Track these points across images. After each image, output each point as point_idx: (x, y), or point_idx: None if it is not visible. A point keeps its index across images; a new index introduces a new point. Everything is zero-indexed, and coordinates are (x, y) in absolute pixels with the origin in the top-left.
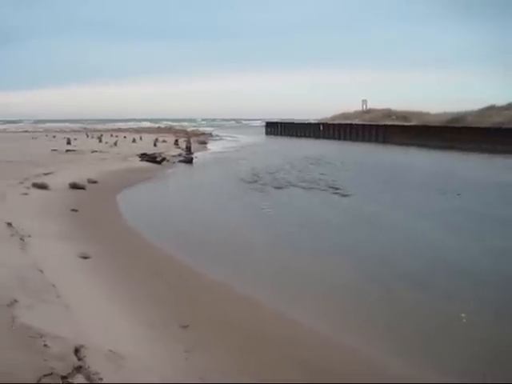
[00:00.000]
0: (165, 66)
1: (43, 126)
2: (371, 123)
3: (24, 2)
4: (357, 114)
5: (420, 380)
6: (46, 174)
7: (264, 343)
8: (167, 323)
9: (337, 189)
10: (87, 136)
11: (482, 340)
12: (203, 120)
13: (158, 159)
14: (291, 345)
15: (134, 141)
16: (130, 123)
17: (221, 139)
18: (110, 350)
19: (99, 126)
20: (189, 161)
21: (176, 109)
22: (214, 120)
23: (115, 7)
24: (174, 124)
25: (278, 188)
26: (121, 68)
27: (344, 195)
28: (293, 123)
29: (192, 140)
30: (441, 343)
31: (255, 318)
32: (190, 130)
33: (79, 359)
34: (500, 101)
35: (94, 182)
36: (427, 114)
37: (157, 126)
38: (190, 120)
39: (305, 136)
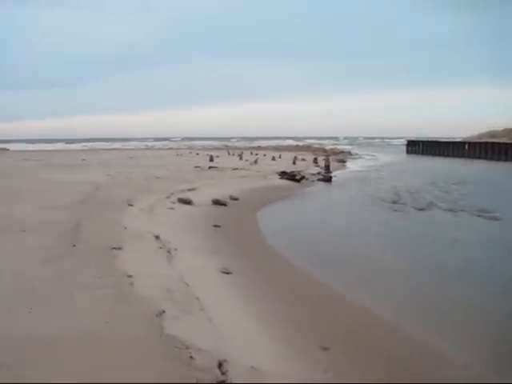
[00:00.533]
0: (305, 84)
1: (188, 143)
2: None
3: (175, 25)
4: (505, 132)
5: None
6: (190, 190)
7: (406, 372)
8: (307, 343)
9: (484, 211)
10: (228, 153)
11: None
12: (345, 138)
13: (297, 177)
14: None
15: (273, 159)
16: (272, 141)
17: (360, 158)
18: (252, 367)
19: (240, 144)
20: (327, 179)
21: (317, 127)
22: (356, 138)
23: (251, 27)
24: (316, 142)
25: (420, 209)
26: (265, 87)
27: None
28: (435, 142)
29: (331, 158)
30: None
31: (397, 345)
32: (328, 148)
33: (222, 373)
34: None
35: (236, 199)
36: None
37: (295, 144)
38: (332, 138)
39: (448, 155)
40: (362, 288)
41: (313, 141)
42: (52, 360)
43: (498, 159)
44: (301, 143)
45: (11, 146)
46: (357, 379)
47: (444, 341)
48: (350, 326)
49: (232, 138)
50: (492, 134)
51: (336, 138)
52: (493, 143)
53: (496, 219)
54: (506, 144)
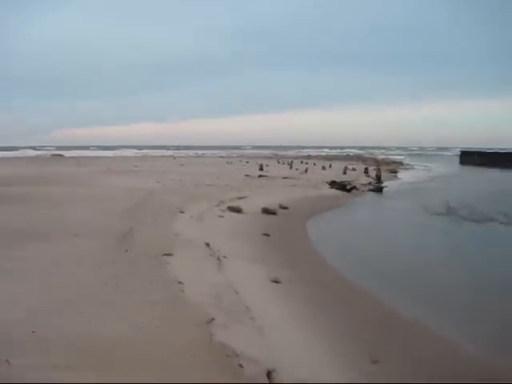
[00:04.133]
0: (355, 93)
1: (239, 151)
2: None
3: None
4: None
5: None
6: (239, 198)
7: None
8: (357, 356)
9: None
10: (278, 162)
11: None
12: (397, 148)
13: (348, 187)
14: None
15: (323, 168)
16: (336, 150)
17: (412, 168)
18: (300, 378)
19: (290, 153)
20: (378, 190)
21: (367, 136)
22: (407, 148)
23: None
24: (367, 152)
25: (474, 222)
26: (321, 96)
27: None
28: (490, 152)
29: (382, 168)
30: None
31: (446, 357)
32: (380, 158)
33: (271, 382)
34: None
35: (285, 208)
36: None
37: (346, 153)
38: (383, 148)
39: (506, 167)
40: (413, 302)
41: (361, 151)
42: (106, 362)
43: None
44: (350, 153)
45: (66, 153)
46: None
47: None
48: (401, 341)
49: (281, 146)
50: None
51: (387, 148)
52: None
53: None
54: None
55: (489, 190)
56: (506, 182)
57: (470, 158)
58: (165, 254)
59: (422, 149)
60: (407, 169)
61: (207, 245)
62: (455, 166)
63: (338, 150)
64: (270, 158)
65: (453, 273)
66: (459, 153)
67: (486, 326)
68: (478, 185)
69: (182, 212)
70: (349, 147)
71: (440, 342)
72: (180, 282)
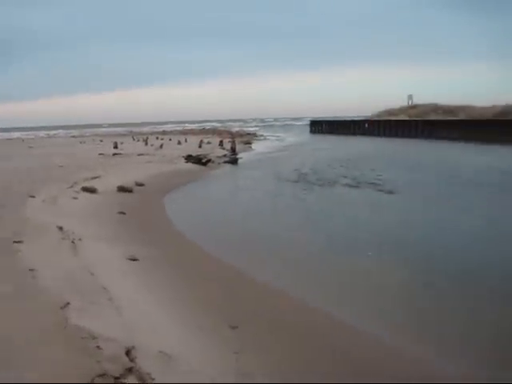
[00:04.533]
0: (210, 68)
1: (91, 130)
2: (417, 119)
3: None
4: (402, 109)
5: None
6: (94, 178)
7: (313, 342)
8: (217, 324)
9: (377, 185)
10: (133, 139)
11: None
12: (253, 120)
13: (204, 161)
14: (341, 345)
15: (179, 143)
16: (194, 125)
17: (265, 139)
18: (161, 351)
19: (145, 130)
20: (234, 161)
21: (224, 110)
22: (264, 120)
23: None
24: (223, 125)
25: (323, 186)
26: (167, 71)
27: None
28: (337, 121)
29: (237, 141)
30: None
31: (304, 319)
32: (234, 130)
33: (131, 360)
34: None
35: (141, 185)
36: (474, 108)
37: (201, 127)
38: (240, 120)
39: (350, 134)
40: (271, 267)
41: (219, 124)
42: None
43: (396, 135)
44: (207, 126)
45: None
46: (268, 355)
47: (343, 308)
48: (258, 305)
49: (137, 123)
50: (390, 112)
51: (244, 121)
52: (390, 121)
53: (391, 193)
54: (403, 121)
55: (332, 155)
56: (350, 148)
57: (319, 126)
58: (14, 242)
59: (276, 120)
60: (261, 140)
61: (60, 228)
62: (306, 135)
63: (197, 125)
64: (124, 135)
65: (302, 233)
66: (309, 122)
67: (334, 285)
68: (323, 152)
69: (33, 196)
70: (208, 121)
71: (297, 304)
72: (32, 270)
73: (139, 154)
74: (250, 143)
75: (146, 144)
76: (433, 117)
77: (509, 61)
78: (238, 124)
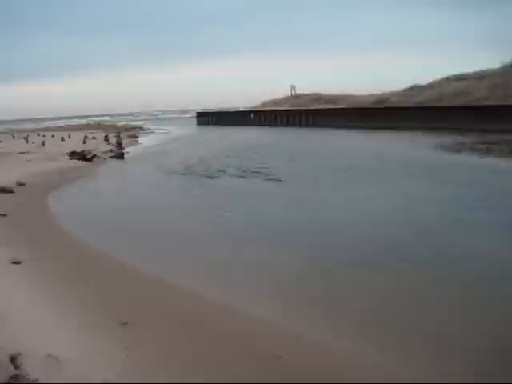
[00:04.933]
0: (91, 61)
1: None
2: (300, 108)
3: None
4: (286, 99)
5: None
6: None
7: (205, 335)
8: (106, 322)
9: (264, 174)
10: (13, 137)
11: None
12: (141, 114)
13: (88, 156)
14: (235, 335)
15: (62, 139)
16: (82, 120)
17: (152, 132)
18: (49, 355)
19: (27, 127)
20: (120, 156)
21: (112, 104)
22: (152, 113)
23: None
24: (110, 119)
25: (210, 177)
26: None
27: (270, 179)
28: (223, 112)
29: (122, 135)
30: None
31: (196, 310)
32: (120, 124)
33: (16, 367)
34: (422, 81)
35: (23, 185)
36: (354, 97)
37: (85, 122)
38: (128, 115)
39: (236, 124)
40: (158, 259)
41: (106, 118)
42: None
43: (281, 125)
44: (91, 122)
45: None
46: (160, 351)
47: (236, 298)
48: (149, 300)
49: (18, 119)
50: (275, 102)
51: (133, 114)
52: (275, 111)
53: (279, 180)
54: (287, 111)
55: (219, 146)
56: (237, 139)
57: (207, 118)
58: None
59: (165, 113)
60: (148, 133)
61: None
62: (193, 127)
63: (84, 120)
64: (4, 133)
65: (189, 222)
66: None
67: (224, 274)
68: (211, 143)
69: None
70: (96, 116)
71: (188, 296)
72: None
73: (20, 153)
74: (136, 137)
75: (27, 142)
76: (315, 106)
77: (387, 52)
78: (127, 118)
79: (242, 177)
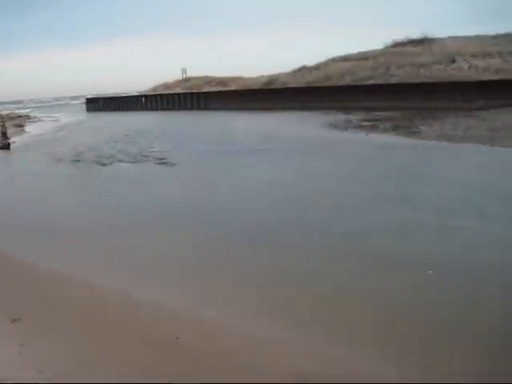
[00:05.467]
0: None
1: None
2: (192, 91)
3: None
4: (177, 82)
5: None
6: None
7: (100, 323)
8: None
9: (157, 158)
10: None
11: None
12: (31, 101)
13: None
14: (131, 322)
15: None
16: None
17: (40, 120)
18: None
19: None
20: (5, 147)
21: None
22: (41, 100)
23: None
24: (11, 106)
25: (103, 165)
26: None
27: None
28: (114, 97)
29: (7, 124)
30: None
31: (92, 300)
32: (4, 113)
33: None
34: (310, 62)
35: None
36: (244, 79)
37: None
38: (16, 102)
39: (128, 109)
40: (51, 252)
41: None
42: None
43: (174, 109)
44: None
45: None
46: (55, 344)
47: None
48: (42, 293)
49: None
50: (167, 85)
51: (22, 102)
52: (167, 94)
53: (172, 164)
54: (178, 94)
55: (112, 133)
56: (127, 124)
57: (97, 104)
58: None
59: (56, 99)
60: (35, 122)
61: None
62: (83, 113)
63: None
64: None
65: (82, 211)
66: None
67: (122, 261)
68: (101, 129)
69: None
70: None
71: (83, 285)
72: None
73: None
74: (22, 126)
75: None
76: (206, 89)
77: (276, 33)
78: (16, 106)
79: (134, 162)
